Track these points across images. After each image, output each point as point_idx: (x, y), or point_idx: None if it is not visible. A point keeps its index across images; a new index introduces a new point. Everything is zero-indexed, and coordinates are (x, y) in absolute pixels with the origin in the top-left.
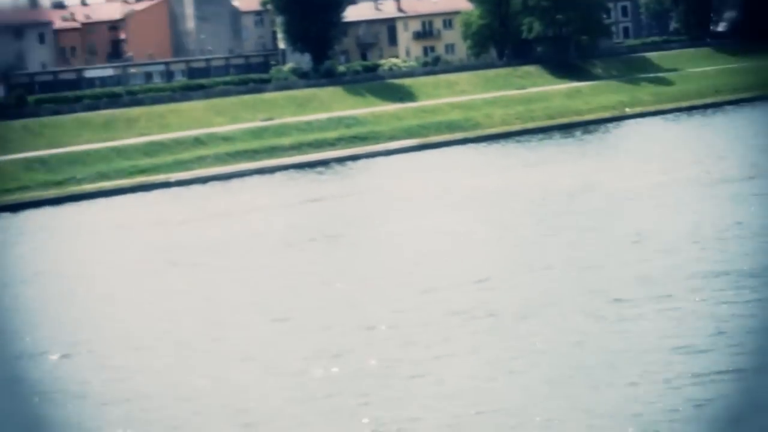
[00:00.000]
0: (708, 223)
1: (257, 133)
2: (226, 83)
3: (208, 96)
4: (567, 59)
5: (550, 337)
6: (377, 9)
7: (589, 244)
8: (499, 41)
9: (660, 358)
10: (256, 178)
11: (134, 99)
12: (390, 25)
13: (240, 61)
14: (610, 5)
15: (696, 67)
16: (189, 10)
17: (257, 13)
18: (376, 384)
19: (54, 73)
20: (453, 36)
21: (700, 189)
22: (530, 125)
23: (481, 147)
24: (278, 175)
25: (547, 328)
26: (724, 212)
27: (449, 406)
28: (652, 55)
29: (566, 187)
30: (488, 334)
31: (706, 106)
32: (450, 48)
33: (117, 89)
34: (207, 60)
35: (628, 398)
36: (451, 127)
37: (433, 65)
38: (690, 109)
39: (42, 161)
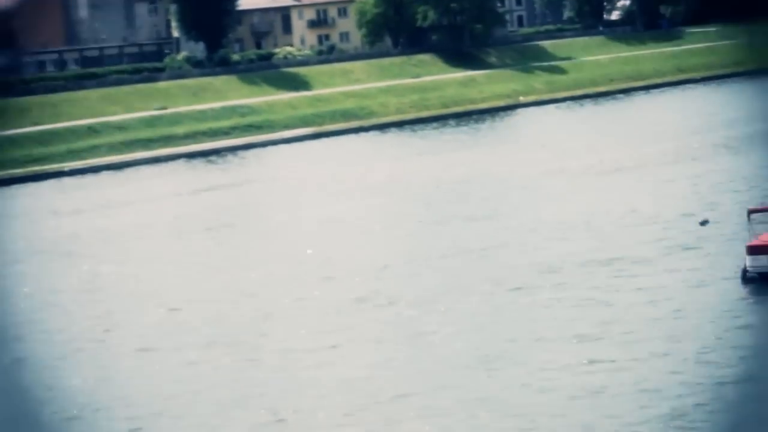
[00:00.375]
0: (601, 211)
1: (151, 122)
2: (119, 72)
3: (101, 85)
4: (461, 48)
5: (447, 325)
6: None
7: (484, 232)
8: (393, 30)
9: (555, 345)
10: (150, 168)
11: (27, 88)
12: (284, 13)
13: (134, 49)
14: None
15: (590, 56)
16: None
17: (151, 1)
18: (272, 374)
19: None
20: (348, 24)
21: (593, 178)
22: (425, 114)
23: (376, 135)
24: (172, 164)
25: (445, 316)
26: (616, 200)
27: (346, 394)
28: (546, 44)
29: (460, 175)
30: (387, 322)
31: (599, 95)
32: (345, 36)
33: (10, 78)
34: (100, 48)
35: (522, 386)
36: (345, 115)
37: (327, 54)
38: (583, 98)
39: None
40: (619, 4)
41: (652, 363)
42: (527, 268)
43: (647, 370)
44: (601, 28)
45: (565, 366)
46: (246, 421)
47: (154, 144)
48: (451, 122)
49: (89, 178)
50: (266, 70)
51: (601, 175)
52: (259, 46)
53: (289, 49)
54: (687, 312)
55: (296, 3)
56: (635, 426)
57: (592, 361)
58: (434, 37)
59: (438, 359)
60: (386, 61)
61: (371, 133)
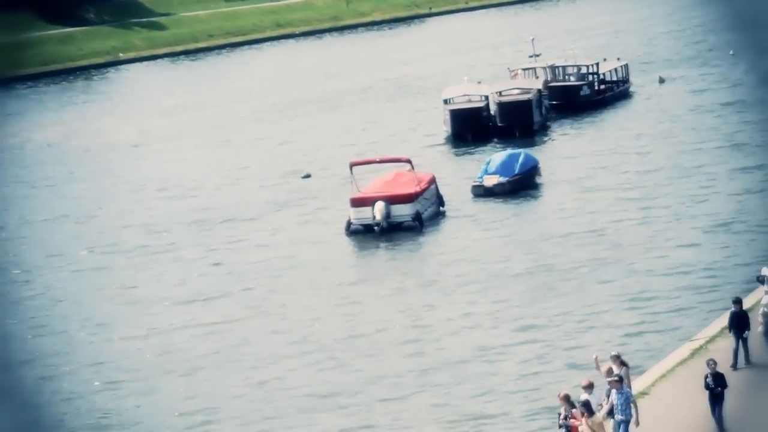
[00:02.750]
0: (219, 168)
1: None
2: None
3: None
4: (59, 4)
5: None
6: None
7: (84, 195)
8: None
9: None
10: None
11: None
12: None
13: None
14: None
15: (189, 11)
16: None
17: None
18: None
19: None
20: None
21: (203, 136)
22: (22, 72)
23: None
24: None
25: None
26: (234, 156)
27: None
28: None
29: (49, 138)
30: None
31: (199, 50)
32: None
33: None
34: None
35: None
36: None
37: None
38: (183, 54)
39: None
40: None
41: (264, 321)
42: (133, 229)
43: (249, 330)
44: None
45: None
46: None
47: None
48: (48, 81)
49: None
50: None
51: (197, 134)
52: None
53: None
54: (300, 265)
55: None
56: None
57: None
58: None
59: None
60: None
61: None
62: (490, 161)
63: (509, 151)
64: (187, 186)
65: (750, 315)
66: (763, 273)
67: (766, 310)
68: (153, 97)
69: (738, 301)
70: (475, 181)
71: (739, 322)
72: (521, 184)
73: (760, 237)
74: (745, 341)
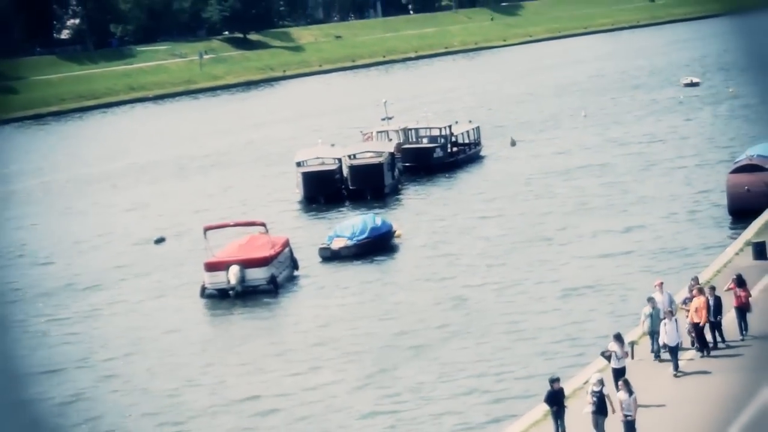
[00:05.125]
0: (70, 235)
1: None
2: None
3: None
4: None
5: None
6: None
7: None
8: None
9: None
10: None
11: None
12: None
13: None
14: None
15: (41, 75)
16: None
17: None
18: None
19: None
20: None
21: (52, 203)
22: None
23: None
24: None
25: None
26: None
27: None
28: None
29: None
30: None
31: (50, 115)
32: None
33: None
34: None
35: None
36: None
37: None
38: (35, 118)
39: None
40: (69, 23)
41: (117, 393)
42: None
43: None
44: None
45: None
46: None
47: None
48: None
49: None
50: None
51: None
52: None
53: None
54: (154, 330)
55: None
56: None
57: None
58: None
59: None
60: None
61: None
62: (340, 224)
63: (361, 214)
64: (36, 255)
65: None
66: (609, 349)
67: (595, 389)
68: None
69: (556, 380)
70: (323, 244)
71: (556, 400)
72: (370, 248)
73: (606, 306)
74: (562, 419)
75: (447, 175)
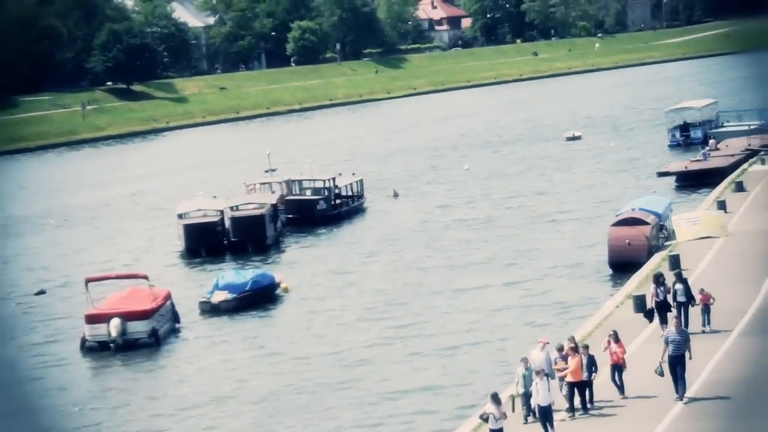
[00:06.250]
0: None
1: None
2: None
3: None
4: None
5: None
6: None
7: None
8: None
9: None
10: None
11: None
12: None
13: None
14: None
15: None
16: None
17: None
18: None
19: None
20: None
21: None
22: None
23: None
24: None
25: None
26: None
27: None
28: None
29: None
30: None
31: None
32: None
33: None
34: None
35: None
36: None
37: None
38: None
39: None
40: None
41: None
42: None
43: None
44: None
45: None
46: None
47: None
48: None
49: None
50: None
51: None
52: None
53: None
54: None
55: None
56: None
57: None
58: None
59: None
60: None
61: None
62: (220, 278)
63: (241, 268)
64: None
65: None
66: (486, 411)
67: None
68: None
69: None
70: (203, 298)
71: None
72: (251, 301)
73: (486, 364)
74: None
75: (330, 228)
